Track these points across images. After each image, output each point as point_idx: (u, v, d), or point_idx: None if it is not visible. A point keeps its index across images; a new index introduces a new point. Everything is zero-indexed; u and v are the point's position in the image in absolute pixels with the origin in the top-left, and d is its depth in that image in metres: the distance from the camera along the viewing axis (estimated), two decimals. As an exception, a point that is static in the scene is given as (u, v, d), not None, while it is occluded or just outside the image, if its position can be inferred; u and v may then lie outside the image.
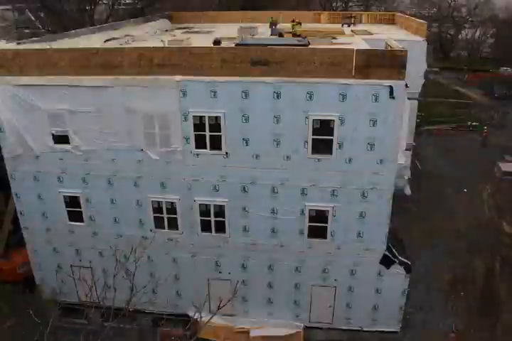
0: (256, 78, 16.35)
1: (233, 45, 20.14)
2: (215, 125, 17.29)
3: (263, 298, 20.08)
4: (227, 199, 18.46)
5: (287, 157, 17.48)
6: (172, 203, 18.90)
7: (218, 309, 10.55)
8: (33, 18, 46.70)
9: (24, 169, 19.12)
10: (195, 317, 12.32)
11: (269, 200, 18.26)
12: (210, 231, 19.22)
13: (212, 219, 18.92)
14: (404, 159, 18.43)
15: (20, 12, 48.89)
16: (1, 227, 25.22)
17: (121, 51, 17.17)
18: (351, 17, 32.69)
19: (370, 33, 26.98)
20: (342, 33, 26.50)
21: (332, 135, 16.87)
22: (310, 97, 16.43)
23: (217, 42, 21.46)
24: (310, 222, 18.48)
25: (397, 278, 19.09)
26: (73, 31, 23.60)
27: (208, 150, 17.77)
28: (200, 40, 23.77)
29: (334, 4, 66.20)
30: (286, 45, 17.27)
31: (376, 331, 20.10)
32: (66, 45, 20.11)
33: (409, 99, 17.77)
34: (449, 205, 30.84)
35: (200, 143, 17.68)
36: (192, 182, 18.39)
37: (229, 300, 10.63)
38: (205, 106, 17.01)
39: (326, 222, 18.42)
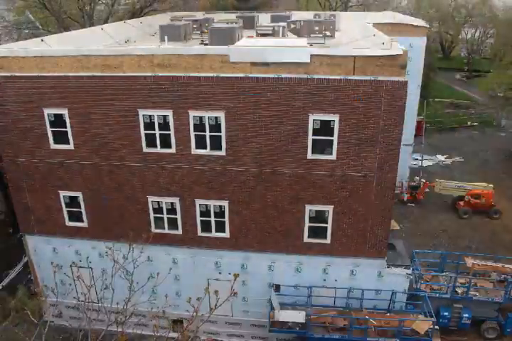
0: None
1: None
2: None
3: (263, 298, 20.09)
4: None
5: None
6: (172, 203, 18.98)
7: (215, 308, 10.59)
8: (32, 18, 46.64)
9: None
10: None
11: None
12: (210, 232, 19.27)
13: (213, 219, 19.03)
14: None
15: (20, 12, 48.80)
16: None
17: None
18: None
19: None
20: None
21: (332, 135, 16.93)
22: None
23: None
24: (310, 222, 18.50)
25: (397, 278, 19.07)
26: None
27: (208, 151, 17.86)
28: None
29: (334, 4, 66.03)
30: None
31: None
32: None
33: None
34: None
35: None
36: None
37: (226, 299, 10.68)
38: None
39: (326, 222, 18.42)
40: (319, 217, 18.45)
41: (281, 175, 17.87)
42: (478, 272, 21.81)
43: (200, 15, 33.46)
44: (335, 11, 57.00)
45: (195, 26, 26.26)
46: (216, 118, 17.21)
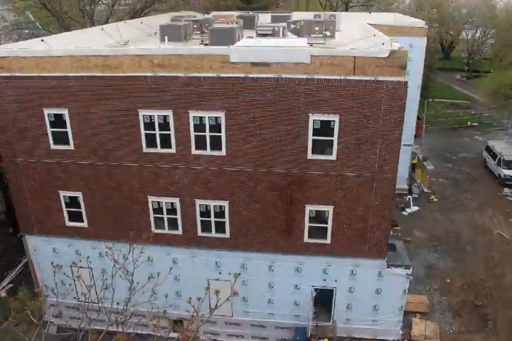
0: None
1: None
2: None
3: (263, 299, 20.10)
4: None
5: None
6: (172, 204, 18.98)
7: (216, 308, 10.58)
8: (32, 18, 46.61)
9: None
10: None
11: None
12: (210, 232, 19.27)
13: (213, 219, 19.01)
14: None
15: (20, 12, 48.75)
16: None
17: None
18: None
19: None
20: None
21: (332, 135, 16.93)
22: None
23: None
24: (310, 222, 18.49)
25: (397, 278, 19.07)
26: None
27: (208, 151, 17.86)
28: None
29: (334, 4, 66.03)
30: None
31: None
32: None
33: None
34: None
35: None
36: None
37: (227, 299, 10.67)
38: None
39: (326, 223, 18.41)
40: (319, 217, 18.45)
41: (281, 175, 17.88)
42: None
43: (200, 16, 33.49)
44: (335, 11, 57.01)
45: (195, 26, 26.28)
46: (216, 118, 17.21)
